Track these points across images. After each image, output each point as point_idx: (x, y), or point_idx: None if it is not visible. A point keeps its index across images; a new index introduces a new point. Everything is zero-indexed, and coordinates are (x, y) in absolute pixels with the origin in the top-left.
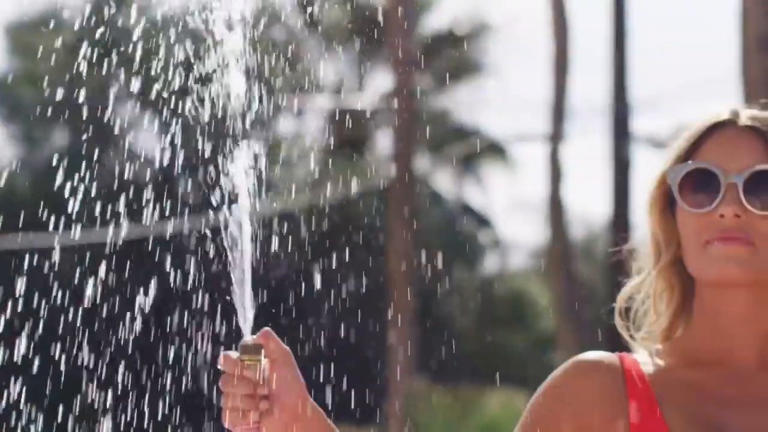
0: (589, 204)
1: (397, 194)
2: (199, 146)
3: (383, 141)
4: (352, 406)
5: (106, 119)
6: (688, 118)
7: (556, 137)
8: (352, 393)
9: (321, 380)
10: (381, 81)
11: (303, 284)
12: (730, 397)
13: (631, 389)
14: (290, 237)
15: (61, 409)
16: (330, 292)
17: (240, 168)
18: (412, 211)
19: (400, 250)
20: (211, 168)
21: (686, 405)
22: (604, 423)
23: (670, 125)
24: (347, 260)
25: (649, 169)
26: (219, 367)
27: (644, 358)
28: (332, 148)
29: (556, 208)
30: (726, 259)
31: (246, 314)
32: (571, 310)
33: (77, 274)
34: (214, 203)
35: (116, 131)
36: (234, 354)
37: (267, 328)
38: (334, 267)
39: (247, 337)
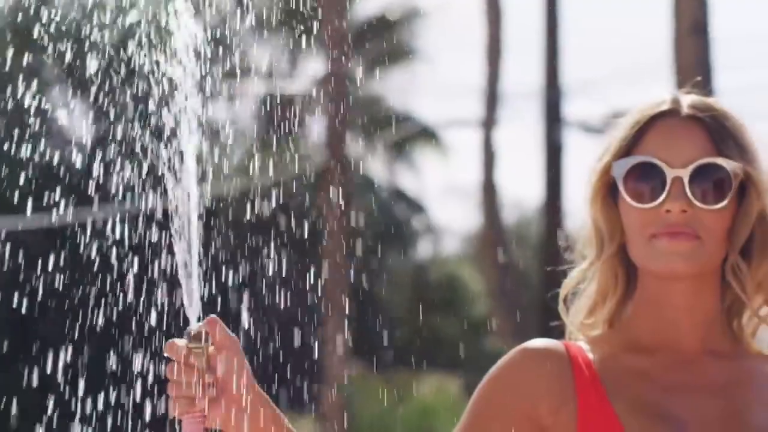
0: (521, 189)
1: (330, 180)
2: (133, 133)
3: (316, 126)
4: (289, 394)
5: (32, 104)
6: (621, 103)
7: (489, 122)
8: (288, 380)
9: (255, 367)
10: (314, 66)
11: (236, 270)
12: (675, 382)
13: (578, 376)
14: (223, 223)
15: None
16: (263, 278)
17: (188, 154)
18: (345, 197)
19: (333, 235)
20: (150, 154)
21: (632, 390)
22: (552, 410)
23: (603, 110)
24: (280, 246)
25: (581, 154)
26: (165, 354)
27: (588, 346)
28: (265, 133)
29: (489, 193)
30: (672, 254)
31: (192, 302)
32: (504, 294)
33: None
34: (150, 189)
35: (43, 116)
36: (180, 342)
37: (213, 316)
38: (266, 253)
39: (193, 325)
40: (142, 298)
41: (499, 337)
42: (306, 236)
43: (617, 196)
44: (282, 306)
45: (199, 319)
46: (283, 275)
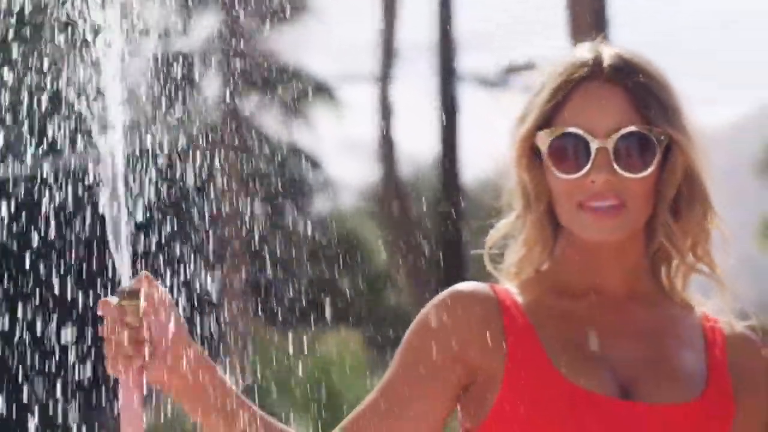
0: (417, 143)
1: (225, 137)
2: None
3: (211, 84)
4: None
5: None
6: (516, 56)
7: (384, 78)
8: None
9: None
10: (207, 23)
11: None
12: (601, 324)
13: (507, 318)
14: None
15: None
16: (160, 236)
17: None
18: (241, 154)
19: (229, 193)
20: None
21: (561, 331)
22: (482, 352)
23: (498, 63)
24: (177, 204)
25: (476, 107)
26: (98, 313)
27: (517, 288)
28: (158, 91)
29: (385, 147)
30: (599, 229)
31: (123, 259)
32: (402, 248)
33: None
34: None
35: None
36: (113, 300)
37: (145, 272)
38: (163, 211)
39: (125, 283)
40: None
41: (399, 291)
42: (202, 194)
43: (542, 158)
44: (181, 264)
45: (130, 277)
46: (181, 233)
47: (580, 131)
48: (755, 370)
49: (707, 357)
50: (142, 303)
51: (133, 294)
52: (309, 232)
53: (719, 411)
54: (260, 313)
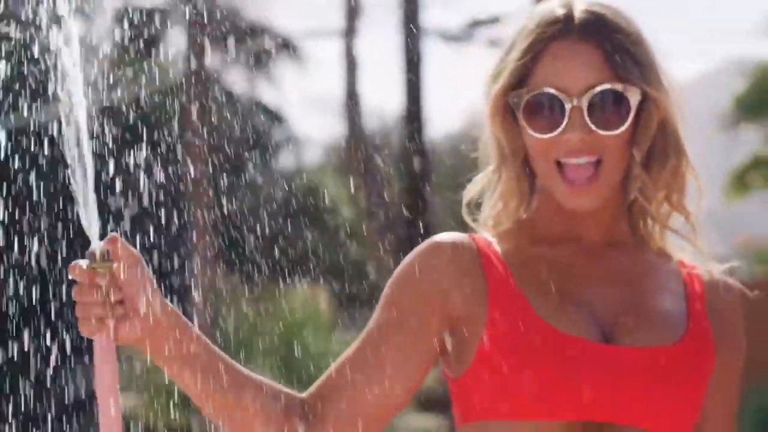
0: (382, 98)
1: (190, 93)
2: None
3: (175, 40)
4: None
5: None
6: (480, 11)
7: (348, 33)
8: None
9: None
10: None
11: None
12: (580, 270)
13: (487, 266)
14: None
15: None
16: (128, 193)
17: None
18: (206, 110)
19: (194, 149)
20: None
21: (541, 279)
22: (463, 301)
23: (462, 18)
24: (143, 160)
25: (441, 62)
26: (70, 277)
27: (496, 238)
28: (122, 48)
29: (350, 102)
30: (577, 203)
31: (91, 221)
32: (368, 203)
33: None
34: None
35: None
36: (83, 262)
37: (114, 234)
38: (131, 168)
39: (95, 245)
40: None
41: (365, 246)
42: (167, 149)
43: (516, 116)
44: (147, 220)
45: (99, 239)
46: (148, 189)
47: (553, 91)
48: (733, 314)
49: (686, 302)
50: (113, 265)
51: (103, 256)
52: (274, 188)
53: (700, 354)
54: (225, 268)
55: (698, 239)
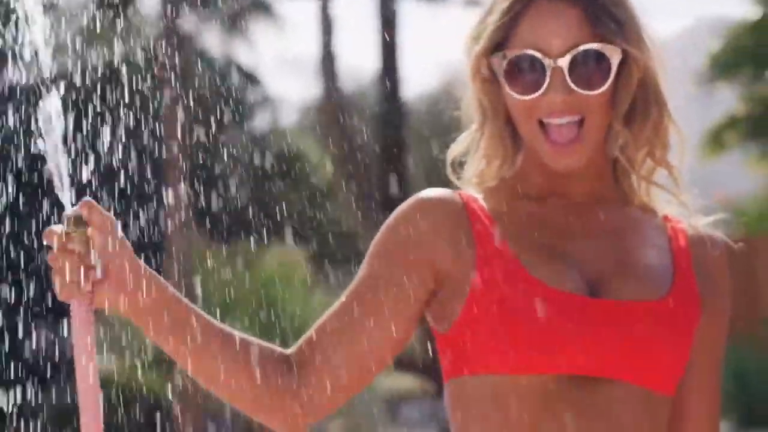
0: (358, 58)
1: (164, 54)
2: None
3: (149, 0)
4: None
5: None
6: None
7: None
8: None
9: None
10: None
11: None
12: (567, 226)
13: (474, 222)
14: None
15: None
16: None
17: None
18: (181, 71)
19: (170, 109)
20: None
21: (528, 233)
22: (451, 257)
23: None
24: (118, 121)
25: (416, 22)
26: (45, 242)
27: (482, 194)
28: (96, 8)
29: (326, 63)
30: (562, 163)
31: (64, 186)
32: (344, 163)
33: None
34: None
35: None
36: (58, 228)
37: (87, 198)
38: (105, 129)
39: (69, 210)
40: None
41: (341, 206)
42: (140, 111)
43: (497, 76)
44: (122, 180)
45: (73, 204)
46: (124, 150)
47: (534, 52)
48: (718, 268)
49: (672, 256)
50: (87, 229)
51: (78, 220)
52: (249, 148)
53: (686, 309)
54: (201, 230)
55: (682, 193)
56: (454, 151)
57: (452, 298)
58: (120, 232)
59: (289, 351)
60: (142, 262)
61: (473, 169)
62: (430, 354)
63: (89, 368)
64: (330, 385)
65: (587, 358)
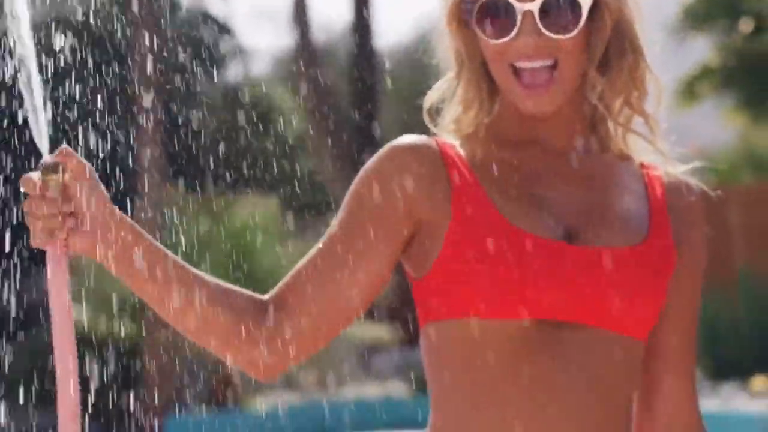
0: (330, 9)
1: (136, 3)
2: None
3: None
4: None
5: None
6: None
7: None
8: None
9: None
10: None
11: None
12: (544, 173)
13: (451, 168)
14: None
15: None
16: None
17: None
18: (153, 21)
19: (142, 59)
20: None
21: (504, 180)
22: (426, 203)
23: None
24: (91, 71)
25: None
26: (21, 189)
27: (459, 141)
28: None
29: (299, 13)
30: (534, 105)
31: (41, 133)
32: (317, 114)
33: None
34: None
35: None
36: (34, 175)
37: (64, 146)
38: (80, 77)
39: (46, 157)
40: None
41: (314, 156)
42: (114, 61)
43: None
44: (96, 130)
45: (50, 151)
46: (95, 99)
47: None
48: (694, 215)
49: (648, 203)
50: (63, 176)
51: (54, 168)
52: (222, 98)
53: (661, 256)
54: (174, 179)
55: (658, 141)
56: (431, 98)
57: (428, 244)
58: (96, 179)
59: (265, 296)
60: (117, 209)
61: (450, 116)
62: (403, 304)
63: (65, 315)
64: (305, 331)
65: (562, 303)
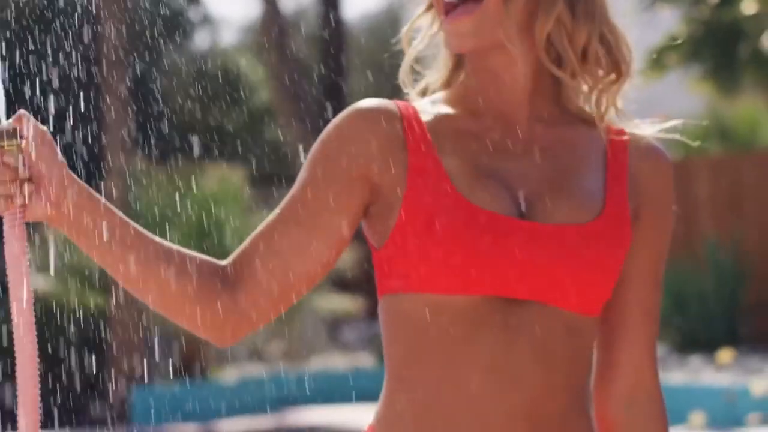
0: None
1: None
2: None
3: None
4: None
5: None
6: None
7: None
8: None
9: None
10: None
11: (11, 67)
12: (503, 145)
13: (409, 134)
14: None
15: None
16: (39, 71)
17: None
18: None
19: (108, 29)
20: None
21: (462, 150)
22: (383, 169)
23: None
24: (55, 40)
25: None
26: None
27: (421, 107)
28: None
29: None
30: (455, 34)
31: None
32: (284, 83)
33: None
34: None
35: None
36: None
37: (22, 111)
38: (44, 48)
39: (2, 123)
40: None
41: (280, 126)
42: (83, 30)
43: None
44: (60, 101)
45: (7, 117)
46: (62, 70)
47: None
48: (660, 179)
49: (607, 178)
50: (21, 142)
51: (11, 134)
52: (189, 68)
53: (616, 231)
54: (141, 149)
55: (627, 111)
56: (407, 59)
57: (385, 213)
58: (54, 145)
59: (224, 262)
60: (75, 176)
61: (423, 81)
62: (370, 275)
63: (21, 281)
64: (265, 295)
65: (512, 281)
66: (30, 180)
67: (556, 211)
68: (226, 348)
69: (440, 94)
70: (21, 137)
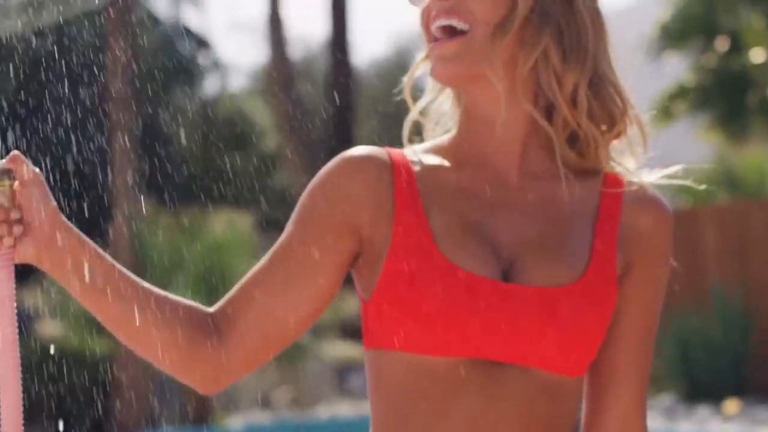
0: (307, 24)
1: (114, 16)
2: None
3: None
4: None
5: None
6: None
7: None
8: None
9: None
10: None
11: (23, 109)
12: (491, 200)
13: (398, 186)
14: (7, 63)
15: None
16: (50, 115)
17: None
18: (131, 33)
19: (119, 72)
20: None
21: (450, 206)
22: (371, 220)
23: None
24: (66, 83)
25: None
26: None
27: (414, 156)
28: None
29: (275, 27)
30: (439, 59)
31: None
32: (292, 129)
33: None
34: None
35: None
36: None
37: (16, 152)
38: (53, 90)
39: None
40: None
41: (289, 172)
42: (92, 74)
43: None
44: (70, 144)
45: (0, 157)
46: (70, 112)
47: None
48: (655, 230)
49: (595, 233)
50: (13, 183)
51: (4, 174)
52: (198, 113)
53: (598, 293)
54: (148, 193)
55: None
56: (414, 112)
57: (371, 266)
58: (46, 187)
59: (211, 309)
60: (65, 218)
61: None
62: None
63: (9, 322)
64: (249, 345)
65: (492, 344)
66: (20, 221)
67: (538, 273)
68: (233, 395)
69: (435, 141)
70: (13, 178)
